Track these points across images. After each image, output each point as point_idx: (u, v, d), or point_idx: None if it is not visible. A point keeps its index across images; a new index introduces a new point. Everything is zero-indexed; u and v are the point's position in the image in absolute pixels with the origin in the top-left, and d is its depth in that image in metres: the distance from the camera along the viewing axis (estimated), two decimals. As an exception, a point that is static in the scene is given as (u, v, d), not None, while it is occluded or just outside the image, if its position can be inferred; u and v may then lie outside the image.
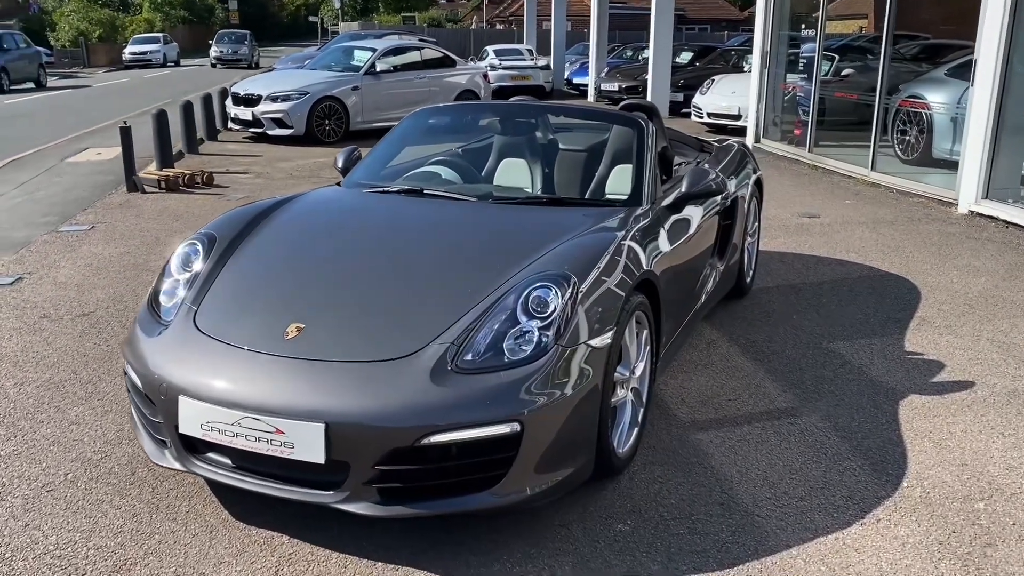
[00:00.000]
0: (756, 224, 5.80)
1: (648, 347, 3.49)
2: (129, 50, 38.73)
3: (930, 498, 3.20)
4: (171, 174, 9.24)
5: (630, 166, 4.12)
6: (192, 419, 2.78)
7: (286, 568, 2.75)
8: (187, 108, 11.67)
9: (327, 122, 13.07)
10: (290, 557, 2.80)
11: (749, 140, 12.81)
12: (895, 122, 10.13)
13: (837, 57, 12.68)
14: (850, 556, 2.85)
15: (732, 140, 5.84)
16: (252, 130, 13.27)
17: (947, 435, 3.70)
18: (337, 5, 58.55)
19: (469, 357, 2.77)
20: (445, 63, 15.16)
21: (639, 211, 3.76)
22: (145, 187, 9.07)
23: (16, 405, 3.89)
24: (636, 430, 3.42)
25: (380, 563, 2.78)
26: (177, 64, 39.62)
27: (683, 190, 3.93)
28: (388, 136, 4.62)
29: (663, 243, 3.73)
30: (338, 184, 4.32)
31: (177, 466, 2.92)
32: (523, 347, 2.80)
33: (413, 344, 2.81)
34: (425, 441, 2.61)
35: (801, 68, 11.95)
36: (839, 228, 7.63)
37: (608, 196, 4.13)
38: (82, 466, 3.34)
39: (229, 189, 9.26)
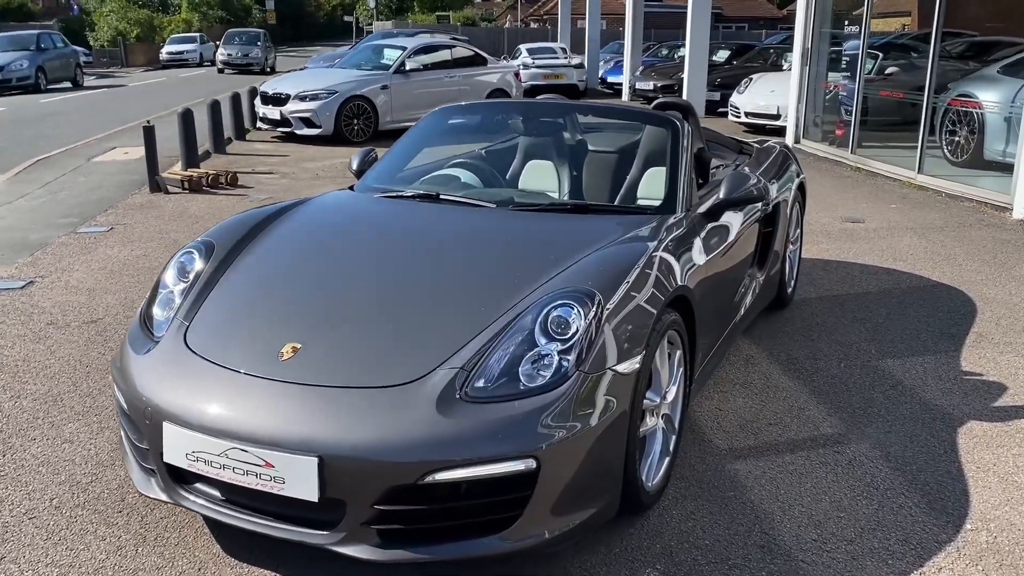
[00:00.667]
0: (798, 231, 5.46)
1: (681, 369, 3.19)
2: (166, 50, 39.02)
3: (998, 544, 2.86)
4: (194, 174, 9.08)
5: (663, 169, 3.81)
6: (177, 448, 2.53)
7: (277, 614, 2.49)
8: (214, 107, 11.53)
9: (355, 121, 12.87)
10: (282, 601, 2.55)
11: (788, 140, 12.38)
12: (944, 122, 9.68)
13: (881, 55, 12.22)
14: (908, 612, 2.53)
15: (773, 141, 5.50)
16: (280, 130, 13.12)
17: (1013, 468, 3.35)
18: (372, 4, 58.61)
19: (480, 384, 2.49)
20: (476, 62, 14.90)
21: (673, 219, 3.46)
22: (168, 187, 8.92)
23: (10, 420, 3.68)
24: (667, 460, 3.12)
25: (380, 610, 2.51)
26: (213, 63, 39.83)
27: (721, 196, 3.62)
28: (405, 136, 4.36)
29: (699, 254, 3.42)
30: (351, 188, 4.06)
31: (164, 497, 2.67)
32: (541, 373, 2.52)
33: (419, 369, 2.53)
34: (429, 479, 2.33)
35: (843, 66, 11.52)
36: (885, 234, 7.24)
37: (640, 202, 3.83)
38: (70, 490, 3.12)
39: (253, 190, 9.08)
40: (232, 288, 3.03)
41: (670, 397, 3.10)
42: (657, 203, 3.63)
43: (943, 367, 4.36)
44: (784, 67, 16.33)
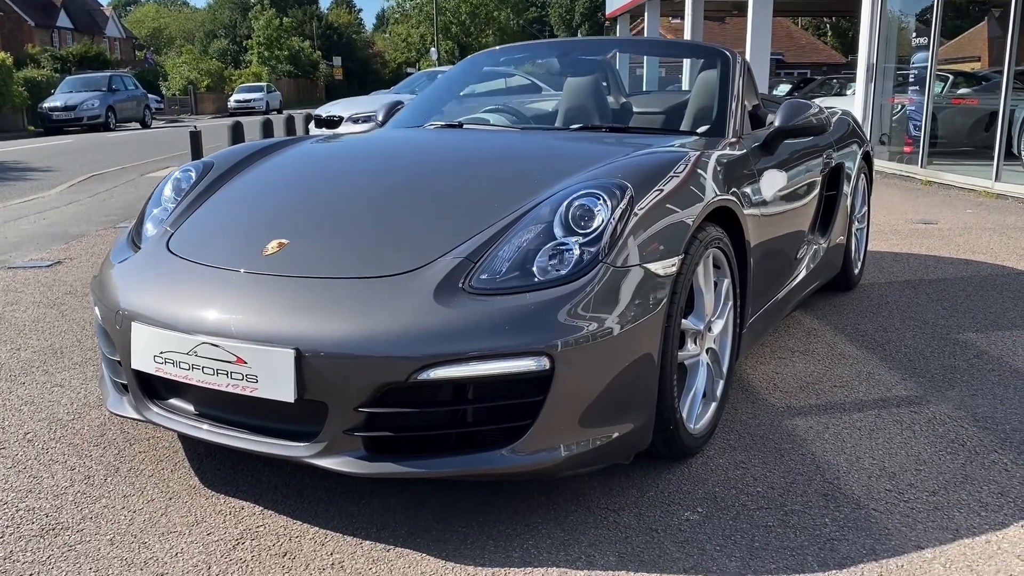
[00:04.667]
0: (864, 208, 5.00)
1: (730, 303, 2.78)
2: (234, 98, 40.12)
3: (1116, 498, 2.36)
4: (240, 181, 8.99)
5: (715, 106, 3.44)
6: (145, 350, 2.22)
7: (248, 542, 2.14)
8: (266, 125, 11.54)
9: (407, 143, 12.76)
10: (256, 530, 2.19)
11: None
12: (1022, 132, 9.09)
13: (951, 77, 11.70)
14: (1009, 563, 2.06)
15: (837, 107, 5.08)
16: (333, 152, 13.08)
17: None
18: (434, 57, 59.77)
19: (486, 276, 2.13)
20: (530, 89, 14.75)
21: (722, 142, 3.08)
22: (214, 194, 8.83)
23: (3, 368, 3.43)
24: (714, 405, 2.70)
25: (368, 542, 2.13)
26: (279, 111, 40.80)
27: (777, 124, 3.23)
28: (434, 84, 4.08)
29: (750, 184, 3.02)
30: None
31: (134, 414, 2.36)
32: (559, 266, 2.15)
33: (417, 259, 2.19)
34: (423, 376, 1.97)
35: (912, 80, 11.01)
36: (960, 232, 6.69)
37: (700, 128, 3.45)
38: (48, 426, 2.84)
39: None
40: (224, 199, 2.75)
41: (716, 330, 2.69)
42: (705, 129, 3.26)
43: (1035, 340, 3.85)
44: (847, 95, 15.82)
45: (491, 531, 2.18)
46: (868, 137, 4.95)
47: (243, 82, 47.41)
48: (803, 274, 3.88)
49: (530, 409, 2.03)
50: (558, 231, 2.22)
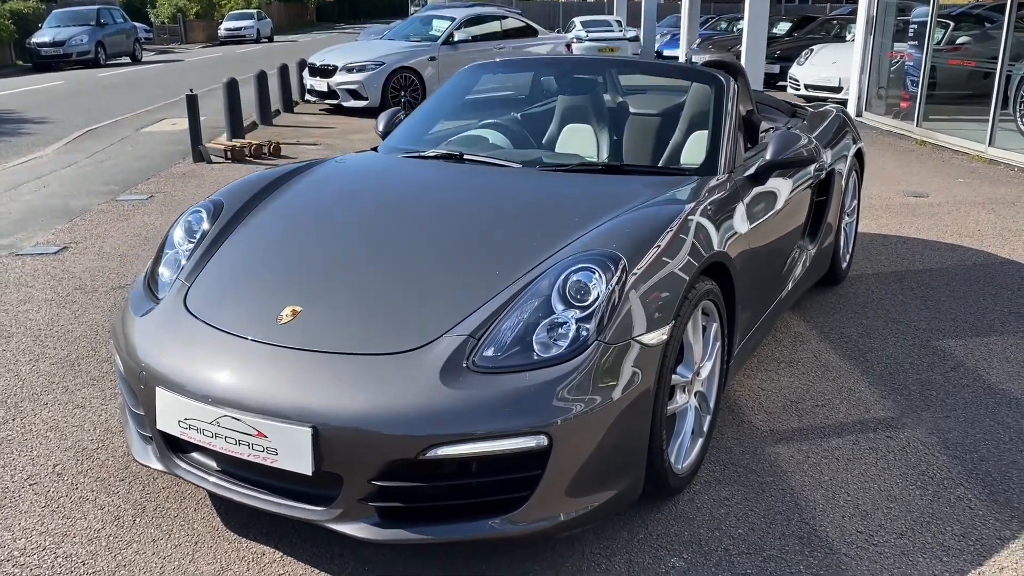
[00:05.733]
0: (855, 202, 5.11)
1: (718, 344, 2.94)
2: (224, 26, 39.36)
3: (1068, 543, 2.57)
4: (237, 144, 9.02)
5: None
6: (170, 415, 2.39)
7: (271, 593, 2.34)
8: (261, 79, 11.47)
9: (403, 93, 12.70)
10: (278, 580, 2.39)
11: (850, 114, 11.86)
12: (1019, 93, 9.11)
13: (952, 24, 11.59)
14: (964, 616, 2.27)
15: (830, 105, 5.15)
16: (328, 102, 13.02)
17: (1087, 460, 3.03)
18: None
19: (490, 353, 2.28)
20: (527, 33, 14.60)
21: (714, 181, 3.19)
22: (211, 157, 8.87)
23: (24, 384, 3.60)
24: (700, 441, 2.88)
25: (380, 593, 2.34)
26: (271, 40, 40.06)
27: (768, 158, 3.34)
28: (434, 96, 4.15)
29: (741, 220, 3.15)
30: (375, 149, 3.87)
31: (160, 467, 2.53)
32: (557, 342, 2.30)
33: (423, 335, 2.33)
34: (431, 454, 2.14)
35: (911, 35, 10.94)
36: (951, 209, 6.81)
37: (682, 165, 3.57)
38: (74, 457, 3.01)
39: (296, 160, 8.97)
40: (237, 249, 2.87)
41: (704, 373, 2.86)
42: (697, 165, 3.37)
43: (1010, 348, 4.02)
44: (848, 38, 15.68)
45: (493, 580, 2.39)
46: (859, 136, 5.03)
47: (232, 8, 46.40)
48: (793, 283, 4.03)
49: (530, 481, 2.21)
50: (556, 305, 2.36)
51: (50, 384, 3.59)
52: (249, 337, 2.41)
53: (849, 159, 4.73)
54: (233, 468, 2.41)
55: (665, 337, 2.43)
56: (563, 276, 2.41)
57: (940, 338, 4.16)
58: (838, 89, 13.19)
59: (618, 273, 2.40)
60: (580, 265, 2.42)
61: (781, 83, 15.54)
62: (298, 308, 2.48)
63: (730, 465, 2.99)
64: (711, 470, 2.95)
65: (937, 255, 5.56)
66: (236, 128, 9.91)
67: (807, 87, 13.84)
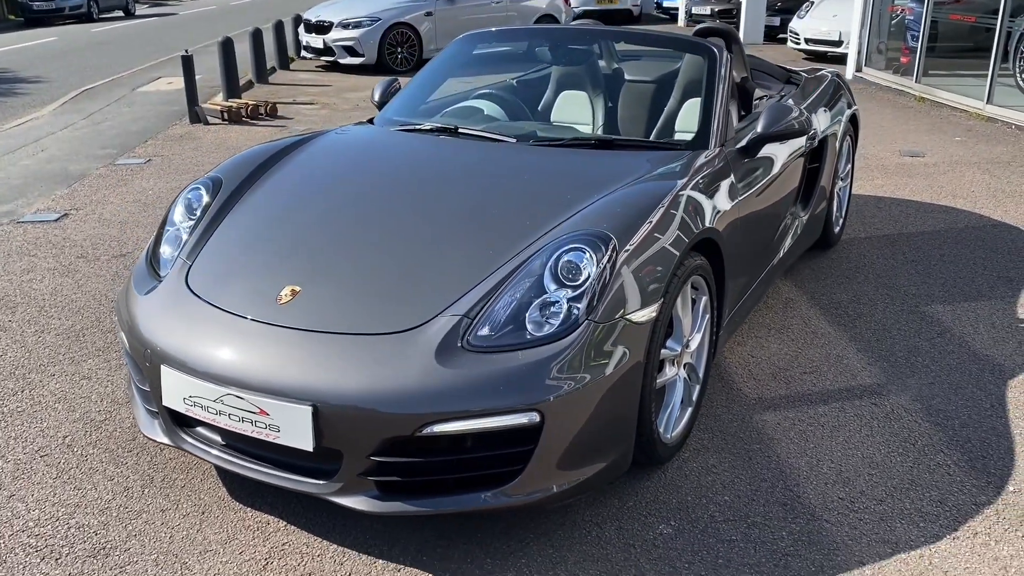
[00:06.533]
0: (849, 167, 5.15)
1: (707, 316, 3.02)
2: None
3: (1041, 508, 2.67)
4: (234, 105, 8.99)
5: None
6: (175, 392, 2.47)
7: (276, 561, 2.44)
8: (256, 36, 11.37)
9: (399, 50, 12.62)
10: (283, 548, 2.49)
11: (850, 69, 11.80)
12: (1019, 48, 9.06)
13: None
14: (937, 580, 2.38)
15: (825, 70, 5.15)
16: (324, 59, 12.93)
17: (1065, 426, 3.13)
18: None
19: (484, 332, 2.36)
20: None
21: (705, 155, 3.24)
22: (208, 118, 8.86)
23: (32, 355, 3.68)
24: (689, 411, 2.97)
25: (381, 560, 2.44)
26: (265, -10, 39.44)
27: (759, 130, 3.37)
28: (429, 66, 4.17)
29: (732, 194, 3.20)
30: (371, 120, 3.91)
31: (166, 440, 2.63)
32: (549, 321, 2.37)
33: (419, 316, 2.41)
34: (427, 431, 2.23)
35: (912, -12, 10.83)
36: (946, 169, 6.84)
37: (677, 135, 3.60)
38: (83, 428, 3.11)
39: (292, 121, 8.97)
40: (236, 226, 2.93)
41: (693, 345, 2.94)
42: (689, 138, 3.41)
43: (997, 314, 4.10)
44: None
45: (489, 547, 2.49)
46: (854, 100, 5.05)
47: (226, -42, 45.58)
48: (785, 250, 4.09)
49: (522, 455, 2.30)
50: (548, 285, 2.43)
51: (56, 355, 3.68)
52: (249, 317, 2.49)
53: (843, 124, 4.76)
54: (237, 443, 2.50)
55: (654, 314, 2.50)
56: (555, 256, 2.48)
57: (929, 303, 4.24)
58: (838, 43, 13.09)
59: (608, 253, 2.46)
60: (571, 245, 2.49)
61: (782, 35, 15.41)
62: (297, 288, 2.55)
63: (718, 433, 3.09)
64: (700, 438, 3.04)
65: (930, 217, 5.61)
66: (232, 88, 9.87)
67: (807, 41, 13.72)
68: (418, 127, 3.60)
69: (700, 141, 3.35)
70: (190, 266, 2.78)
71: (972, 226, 5.43)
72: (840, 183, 4.98)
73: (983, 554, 2.47)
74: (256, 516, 2.63)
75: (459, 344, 2.33)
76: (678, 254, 2.65)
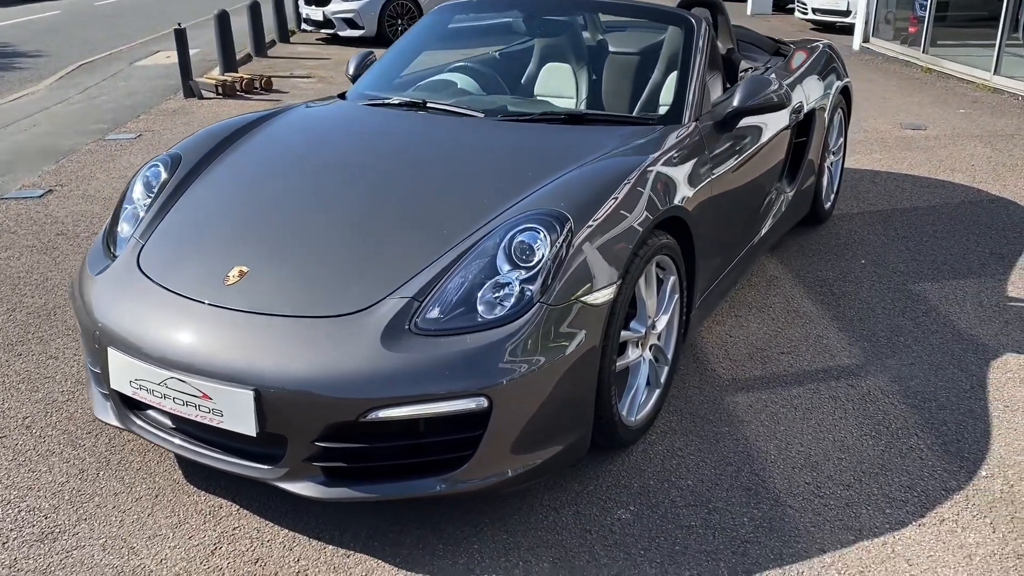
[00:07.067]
0: (841, 140, 5.03)
1: (676, 296, 2.94)
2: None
3: (1013, 494, 2.60)
4: (228, 79, 8.91)
5: None
6: (122, 375, 2.43)
7: (225, 546, 2.40)
8: (254, 8, 11.26)
9: (399, 22, 12.47)
10: (233, 533, 2.46)
11: (857, 39, 11.57)
12: None
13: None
14: (899, 568, 2.31)
15: (817, 41, 5.02)
16: (325, 31, 12.81)
17: (1045, 409, 3.05)
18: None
19: (434, 314, 2.29)
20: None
21: (676, 132, 3.14)
22: (203, 92, 8.78)
23: (1, 333, 3.65)
24: (657, 392, 2.91)
25: (331, 547, 2.40)
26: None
27: (735, 104, 3.27)
28: (403, 37, 4.07)
29: (706, 170, 3.11)
30: (343, 95, 3.82)
31: (117, 424, 2.59)
32: (502, 303, 2.31)
33: (367, 298, 2.34)
34: (372, 416, 2.18)
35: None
36: (947, 142, 6.69)
37: (661, 109, 3.49)
38: (44, 409, 3.07)
39: (288, 95, 8.88)
40: (191, 205, 2.87)
41: (660, 326, 2.87)
42: (662, 113, 3.31)
43: (985, 292, 4.00)
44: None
45: (442, 532, 2.44)
46: (846, 72, 4.92)
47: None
48: (769, 227, 4.00)
49: (471, 441, 2.25)
50: (502, 266, 2.36)
51: (25, 334, 3.65)
52: (195, 298, 2.43)
53: (833, 96, 4.64)
54: (187, 426, 2.46)
55: (611, 296, 2.43)
56: (508, 236, 2.40)
57: (917, 281, 4.14)
58: (846, 13, 12.85)
59: (563, 233, 2.39)
60: (525, 225, 2.41)
61: (790, 6, 15.14)
62: (245, 269, 2.49)
63: (688, 415, 3.02)
64: (668, 420, 2.98)
65: (927, 192, 5.49)
66: (229, 62, 9.78)
67: (814, 11, 13.47)
68: (386, 101, 3.52)
69: (673, 115, 3.25)
70: (143, 246, 2.73)
71: (969, 201, 5.31)
72: (831, 157, 4.87)
73: (948, 541, 2.40)
74: (209, 500, 2.59)
75: (406, 327, 2.26)
76: (640, 232, 2.57)
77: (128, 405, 2.56)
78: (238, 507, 2.56)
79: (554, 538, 2.43)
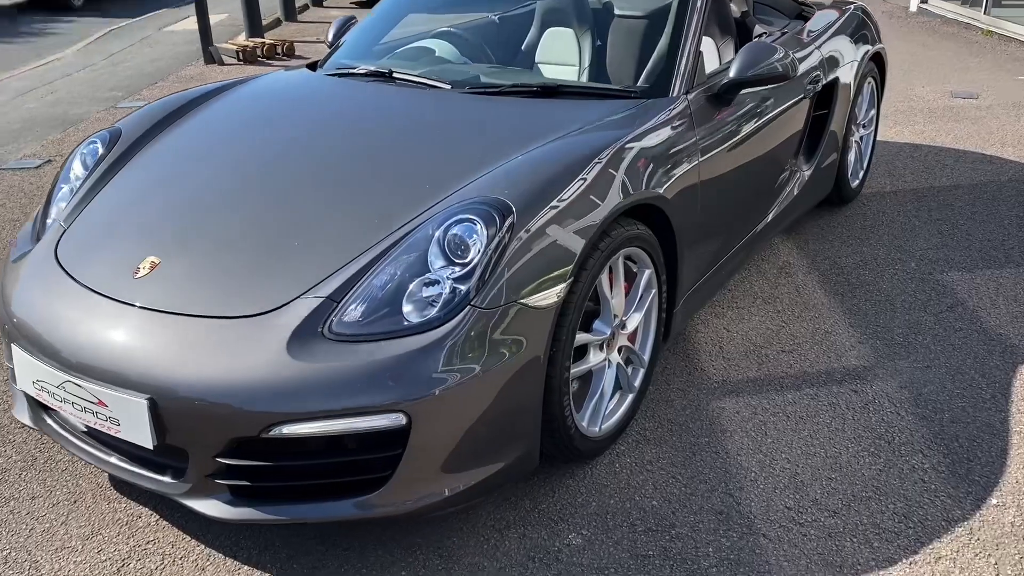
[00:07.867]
0: (872, 112, 4.61)
1: (654, 291, 2.64)
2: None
3: (1024, 529, 2.27)
4: (249, 44, 8.71)
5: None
6: (26, 374, 2.23)
7: (134, 563, 2.21)
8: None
9: (434, -16, 12.09)
10: (145, 548, 2.26)
11: (914, 0, 10.87)
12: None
13: None
14: (879, 617, 2.01)
15: (849, 2, 4.58)
16: (359, -6, 12.51)
17: (1075, 425, 2.68)
18: None
19: (352, 317, 2.03)
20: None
21: (662, 104, 2.81)
22: (223, 58, 8.60)
23: (-39, 315, 3.51)
24: (629, 398, 2.62)
25: (246, 567, 2.19)
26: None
27: (731, 75, 2.92)
28: (383, 1, 3.78)
29: (695, 149, 2.78)
30: (314, 63, 3.56)
31: (31, 424, 2.40)
32: (431, 304, 2.04)
33: (280, 296, 2.09)
34: (275, 432, 1.94)
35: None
36: (999, 113, 6.17)
37: (646, 82, 3.16)
38: (-17, 400, 2.92)
39: (309, 60, 8.64)
40: (119, 188, 2.64)
41: (631, 326, 2.57)
42: (647, 85, 2.97)
43: (1022, 284, 3.60)
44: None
45: (369, 555, 2.21)
46: (878, 36, 4.47)
47: None
48: (780, 210, 3.64)
49: (389, 461, 2.00)
50: (434, 262, 2.09)
51: (-15, 316, 3.50)
52: (101, 292, 2.21)
53: (862, 64, 4.21)
54: (97, 432, 2.25)
55: (556, 299, 2.14)
56: (443, 227, 2.13)
57: (945, 270, 3.75)
58: (905, -29, 12.07)
59: (503, 226, 2.10)
60: (462, 216, 2.13)
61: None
62: (156, 260, 2.26)
63: (666, 421, 2.73)
64: (643, 427, 2.70)
65: (970, 168, 5.03)
66: (255, 26, 9.57)
67: (872, -31, 12.71)
68: (351, 71, 3.24)
69: (660, 88, 2.91)
70: (64, 232, 2.52)
71: (1015, 179, 4.85)
72: (860, 131, 4.46)
73: (941, 586, 2.09)
74: (129, 508, 2.40)
75: (319, 331, 2.01)
76: (598, 223, 2.27)
77: (42, 405, 2.37)
78: (158, 517, 2.36)
79: (492, 564, 2.18)
